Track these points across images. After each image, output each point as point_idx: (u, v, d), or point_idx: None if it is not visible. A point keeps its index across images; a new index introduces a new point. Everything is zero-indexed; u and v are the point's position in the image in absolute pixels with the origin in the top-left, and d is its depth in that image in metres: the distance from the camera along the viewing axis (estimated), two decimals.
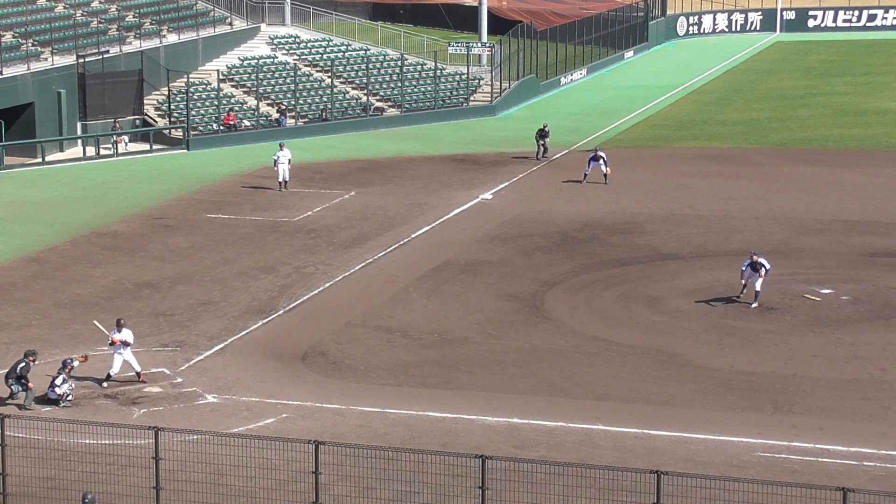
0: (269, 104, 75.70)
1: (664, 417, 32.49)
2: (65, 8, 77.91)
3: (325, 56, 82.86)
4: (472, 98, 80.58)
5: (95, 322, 36.72)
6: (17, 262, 47.48)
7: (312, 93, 77.81)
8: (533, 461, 27.52)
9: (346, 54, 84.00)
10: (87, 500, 24.76)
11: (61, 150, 69.04)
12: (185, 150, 69.28)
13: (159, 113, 73.99)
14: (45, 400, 33.29)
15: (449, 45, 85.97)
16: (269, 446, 27.07)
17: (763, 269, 40.93)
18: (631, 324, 40.04)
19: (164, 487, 26.27)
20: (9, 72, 67.71)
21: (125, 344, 34.61)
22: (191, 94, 72.71)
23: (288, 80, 77.68)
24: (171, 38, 79.25)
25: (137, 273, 45.82)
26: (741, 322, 40.07)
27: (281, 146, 59.59)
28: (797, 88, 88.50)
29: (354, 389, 34.61)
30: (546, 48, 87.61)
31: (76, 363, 33.83)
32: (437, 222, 52.85)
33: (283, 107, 74.68)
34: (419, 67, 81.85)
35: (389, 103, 78.34)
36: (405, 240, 50.07)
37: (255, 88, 75.50)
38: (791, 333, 38.98)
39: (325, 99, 76.69)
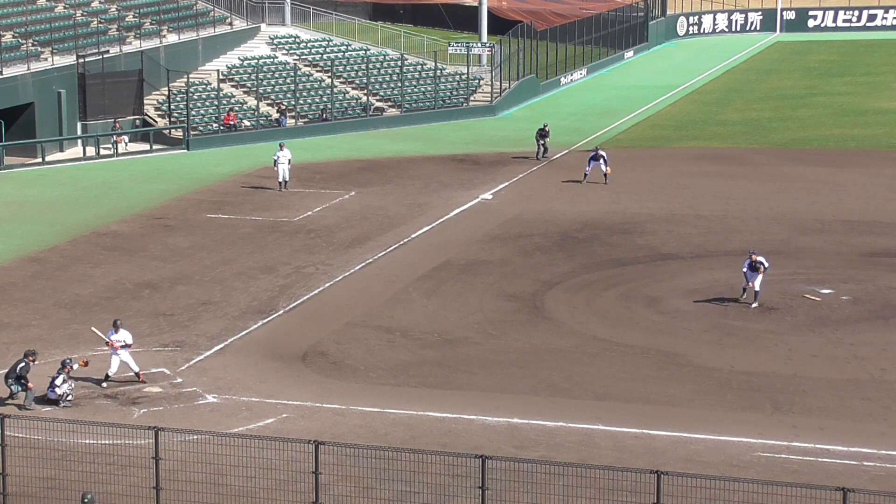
0: (269, 104, 75.68)
1: (664, 417, 32.48)
2: (65, 8, 77.89)
3: (325, 56, 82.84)
4: (472, 98, 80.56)
5: (93, 328, 36.67)
6: (17, 262, 47.47)
7: (312, 93, 77.80)
8: (533, 461, 27.51)
9: (346, 54, 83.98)
10: (86, 500, 24.77)
11: (61, 150, 69.02)
12: (185, 150, 69.27)
13: (159, 113, 73.97)
14: (44, 400, 33.28)
15: (449, 45, 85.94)
16: (269, 446, 27.05)
17: (762, 267, 40.95)
18: (631, 324, 40.03)
19: (164, 487, 26.27)
20: (9, 72, 67.70)
21: (124, 345, 34.61)
22: (191, 94, 72.70)
23: (288, 80, 77.66)
24: (171, 38, 79.24)
25: (137, 273, 45.81)
26: (741, 322, 40.05)
27: (281, 146, 59.57)
28: (797, 88, 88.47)
29: (354, 389, 34.60)
30: (546, 48, 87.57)
31: (76, 365, 33.82)
32: (437, 222, 52.84)
33: (283, 107, 74.65)
34: (419, 67, 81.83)
35: (389, 103, 78.32)
36: (405, 240, 50.06)
37: (255, 88, 75.49)
38: (791, 333, 38.97)
39: (325, 99, 76.67)
